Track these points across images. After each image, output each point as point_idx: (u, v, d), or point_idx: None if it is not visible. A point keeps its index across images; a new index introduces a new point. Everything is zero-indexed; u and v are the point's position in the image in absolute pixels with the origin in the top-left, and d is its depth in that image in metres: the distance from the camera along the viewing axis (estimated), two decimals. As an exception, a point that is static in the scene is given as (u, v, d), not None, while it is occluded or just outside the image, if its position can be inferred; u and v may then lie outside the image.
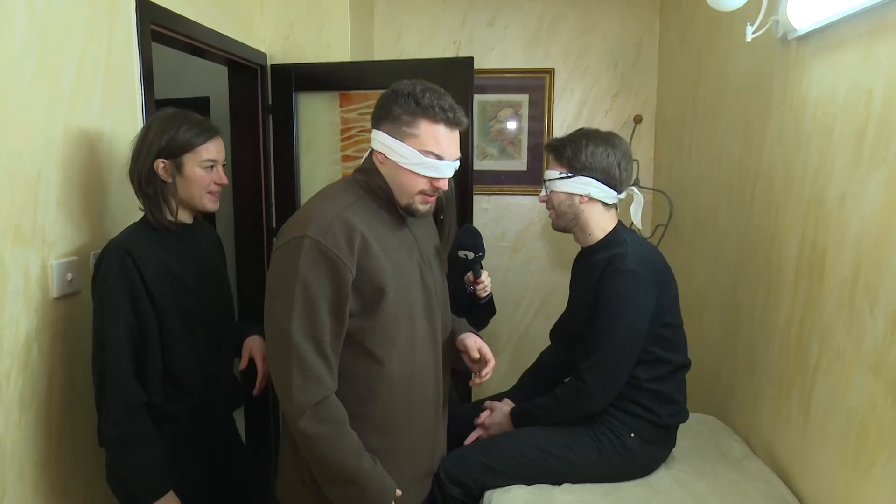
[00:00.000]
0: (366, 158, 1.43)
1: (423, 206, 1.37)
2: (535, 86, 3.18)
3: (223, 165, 1.60)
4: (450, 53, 3.18)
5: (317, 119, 2.75)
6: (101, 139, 1.71)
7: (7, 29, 1.38)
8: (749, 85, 1.98)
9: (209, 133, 1.54)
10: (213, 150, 1.55)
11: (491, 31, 3.18)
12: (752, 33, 1.69)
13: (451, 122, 1.31)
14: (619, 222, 1.72)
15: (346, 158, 2.74)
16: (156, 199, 1.51)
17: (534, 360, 3.32)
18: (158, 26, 1.96)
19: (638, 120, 3.06)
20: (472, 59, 2.56)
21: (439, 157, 1.31)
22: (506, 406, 1.81)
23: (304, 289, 1.24)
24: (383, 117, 1.34)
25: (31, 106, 1.46)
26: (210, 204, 1.57)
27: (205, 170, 1.53)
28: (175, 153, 1.50)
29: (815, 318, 1.54)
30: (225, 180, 1.59)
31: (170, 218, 1.52)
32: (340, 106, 2.72)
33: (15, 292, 1.42)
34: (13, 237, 1.41)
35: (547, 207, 1.76)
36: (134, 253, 1.44)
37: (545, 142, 3.19)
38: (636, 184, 3.08)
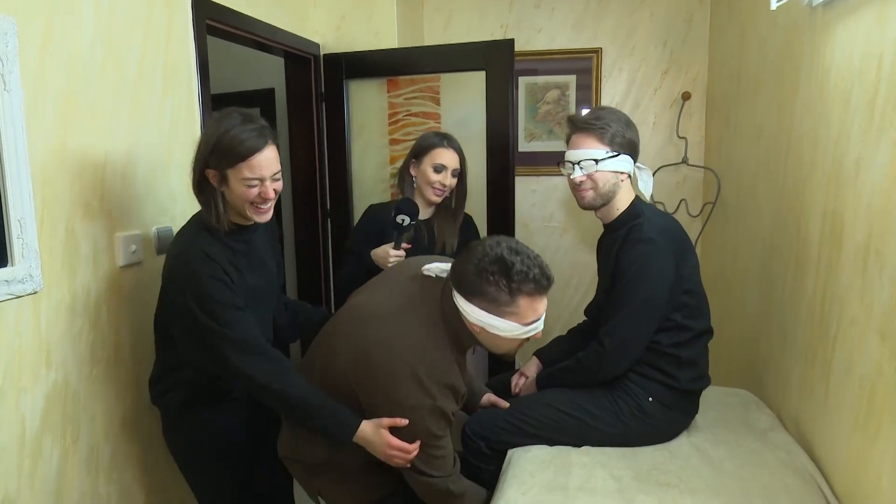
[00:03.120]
0: (448, 308, 1.45)
1: None
2: (583, 66, 3.19)
3: (277, 179, 1.51)
4: (497, 37, 3.23)
5: (367, 105, 2.89)
6: (162, 126, 1.90)
7: (77, 24, 1.58)
8: (782, 56, 1.95)
9: (252, 148, 1.44)
10: (256, 166, 1.45)
11: (538, 13, 3.22)
12: (777, 3, 1.68)
13: (544, 289, 1.39)
14: (636, 196, 1.76)
15: (393, 142, 2.87)
16: (208, 205, 1.51)
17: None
18: (214, 21, 2.14)
19: (686, 97, 3.02)
20: (512, 40, 2.62)
21: (537, 320, 1.42)
22: (532, 368, 1.91)
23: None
24: (475, 293, 1.37)
25: (99, 95, 1.66)
26: (256, 216, 1.52)
27: (247, 187, 1.46)
28: (220, 165, 1.47)
29: (835, 286, 1.53)
30: (272, 195, 1.50)
31: (216, 225, 1.50)
32: (388, 91, 2.84)
33: (86, 261, 1.63)
34: (84, 213, 1.62)
35: (581, 188, 1.75)
36: (216, 259, 1.49)
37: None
38: (685, 161, 3.06)
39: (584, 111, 2.41)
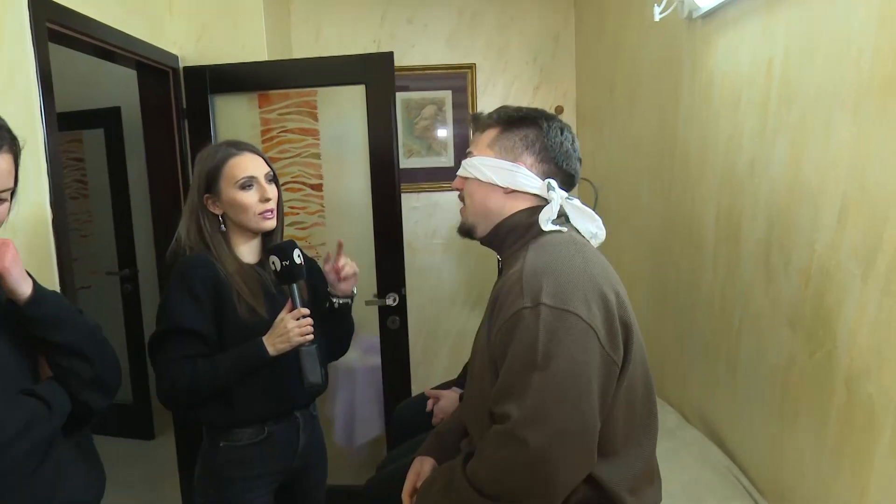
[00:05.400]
0: None
1: None
2: (458, 82, 3.20)
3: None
4: (370, 50, 3.15)
5: (236, 121, 2.67)
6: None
7: None
8: (660, 67, 2.05)
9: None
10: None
11: (411, 28, 3.18)
12: (660, 14, 1.75)
13: None
14: None
15: (270, 160, 2.67)
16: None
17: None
18: (56, 24, 1.85)
19: (559, 111, 3.12)
20: (391, 53, 2.54)
21: None
22: (453, 393, 1.81)
23: None
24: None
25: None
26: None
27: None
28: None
29: (735, 282, 1.60)
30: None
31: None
32: (260, 107, 2.64)
33: None
34: None
35: None
36: None
37: (471, 139, 3.21)
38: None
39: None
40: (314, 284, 1.70)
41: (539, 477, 1.00)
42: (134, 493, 3.16)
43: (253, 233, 1.59)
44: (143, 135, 2.66)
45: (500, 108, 1.29)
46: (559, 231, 1.18)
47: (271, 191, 1.56)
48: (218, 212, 1.56)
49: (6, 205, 1.14)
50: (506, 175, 1.21)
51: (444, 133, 3.25)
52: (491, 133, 1.26)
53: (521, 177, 1.21)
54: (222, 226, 1.57)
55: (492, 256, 1.34)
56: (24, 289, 1.11)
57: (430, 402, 1.87)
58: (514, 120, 1.24)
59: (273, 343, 1.47)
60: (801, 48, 1.27)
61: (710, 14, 1.66)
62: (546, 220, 1.17)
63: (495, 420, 1.07)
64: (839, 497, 1.19)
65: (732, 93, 1.57)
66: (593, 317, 1.04)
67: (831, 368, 1.20)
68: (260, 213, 1.53)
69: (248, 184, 1.52)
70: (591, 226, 1.25)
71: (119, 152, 3.67)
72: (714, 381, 1.74)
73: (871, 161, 1.07)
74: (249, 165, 1.54)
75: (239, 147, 1.57)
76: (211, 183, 1.54)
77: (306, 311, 1.49)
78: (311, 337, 1.48)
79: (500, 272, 1.31)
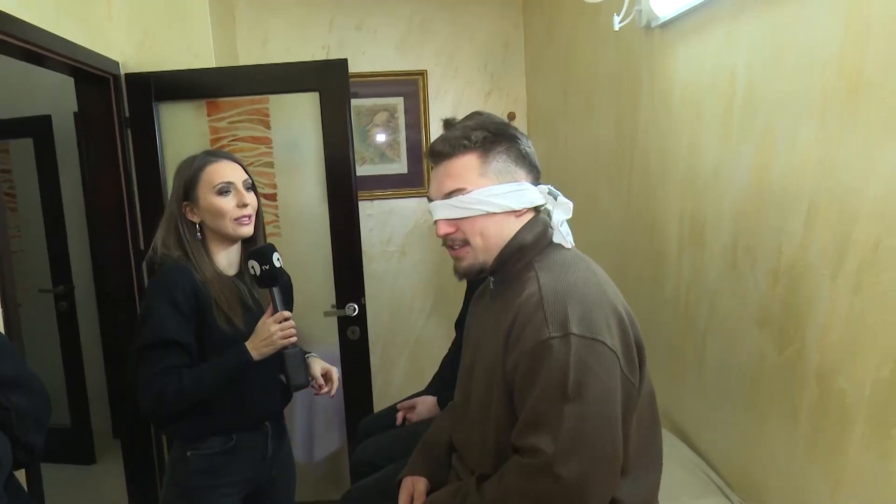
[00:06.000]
0: None
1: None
2: (409, 88, 3.18)
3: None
4: (319, 58, 3.10)
5: (183, 130, 2.57)
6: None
7: None
8: (618, 75, 2.10)
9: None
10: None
11: (360, 35, 3.15)
12: (619, 23, 1.79)
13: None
14: None
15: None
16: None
17: (432, 359, 3.31)
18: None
19: (512, 117, 3.15)
20: (345, 60, 2.51)
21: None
22: (429, 398, 1.80)
23: None
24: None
25: None
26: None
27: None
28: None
29: (701, 285, 1.64)
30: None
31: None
32: (208, 115, 2.55)
33: None
34: None
35: None
36: None
37: (424, 145, 3.20)
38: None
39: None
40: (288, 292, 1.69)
41: None
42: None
43: (231, 240, 1.58)
44: (82, 145, 2.55)
45: (459, 130, 1.18)
46: (562, 245, 1.18)
47: (249, 198, 1.56)
48: (196, 220, 1.55)
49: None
50: (519, 196, 1.16)
51: (397, 140, 3.22)
52: (470, 160, 1.16)
53: (530, 193, 1.17)
54: (198, 234, 1.56)
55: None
56: None
57: (399, 416, 1.83)
58: (489, 140, 1.16)
59: (257, 347, 1.46)
60: (765, 57, 1.32)
61: (669, 24, 1.71)
62: (558, 231, 1.17)
63: (521, 452, 1.04)
64: (813, 489, 1.24)
65: (693, 101, 1.62)
66: (615, 342, 1.05)
67: (802, 365, 1.25)
68: (236, 219, 1.53)
69: (225, 189, 1.53)
70: (563, 217, 1.21)
71: (50, 163, 3.47)
72: (680, 382, 1.79)
73: (837, 165, 1.12)
74: (227, 171, 1.54)
75: (217, 155, 1.59)
76: (189, 190, 1.54)
77: (288, 313, 1.50)
78: (294, 339, 1.49)
79: (492, 293, 1.26)
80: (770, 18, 1.30)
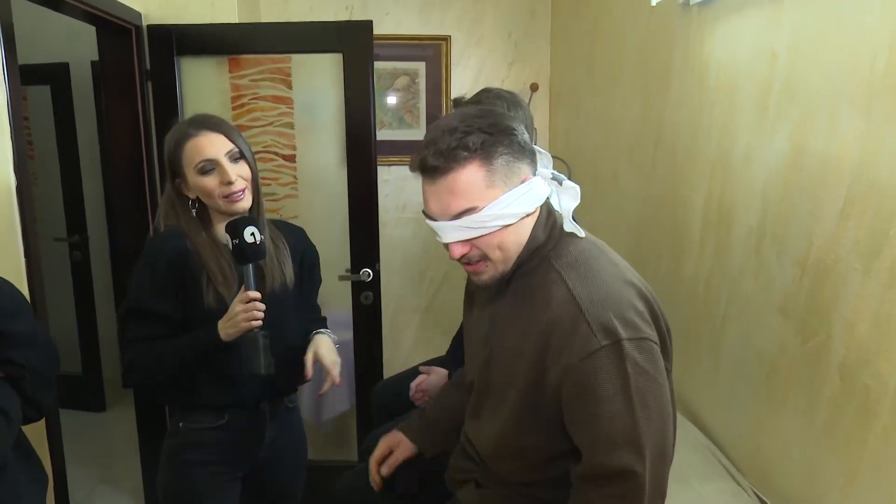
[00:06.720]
0: None
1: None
2: (432, 53, 3.13)
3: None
4: (342, 18, 3.04)
5: (203, 86, 2.54)
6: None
7: None
8: (648, 51, 2.05)
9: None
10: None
11: (384, -4, 3.09)
12: (657, -1, 1.75)
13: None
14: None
15: (240, 128, 2.55)
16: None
17: (441, 328, 3.33)
18: (16, -25, 1.70)
19: (534, 88, 3.10)
20: (370, 22, 2.46)
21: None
22: (442, 370, 1.81)
23: None
24: None
25: None
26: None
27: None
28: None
29: (724, 268, 1.64)
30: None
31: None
32: (230, 72, 2.52)
33: None
34: None
35: None
36: None
37: (444, 111, 3.16)
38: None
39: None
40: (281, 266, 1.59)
41: None
42: (91, 468, 3.06)
43: (228, 214, 1.48)
44: (102, 96, 2.52)
45: (450, 137, 1.02)
46: (575, 234, 1.15)
47: (237, 170, 1.44)
48: (192, 196, 1.48)
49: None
50: (530, 197, 1.07)
51: (417, 105, 3.18)
52: (474, 173, 1.02)
53: (538, 188, 1.10)
54: (193, 210, 1.49)
55: None
56: None
57: (418, 379, 1.85)
58: (488, 143, 1.03)
59: (224, 328, 1.39)
60: (809, 42, 1.29)
61: (709, 1, 1.66)
62: (568, 220, 1.14)
63: (605, 476, 1.02)
64: (826, 478, 1.25)
65: (729, 81, 1.58)
66: (653, 333, 1.06)
67: (825, 357, 1.25)
68: (225, 197, 1.43)
69: (206, 168, 1.42)
70: (572, 203, 1.16)
71: (68, 112, 3.45)
72: (694, 365, 1.79)
73: (880, 159, 1.10)
74: (206, 147, 1.42)
75: (198, 126, 1.45)
76: (175, 168, 1.47)
77: (256, 294, 1.37)
78: (258, 323, 1.37)
79: (504, 290, 1.19)
80: (816, 3, 1.27)
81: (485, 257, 1.10)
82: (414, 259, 3.33)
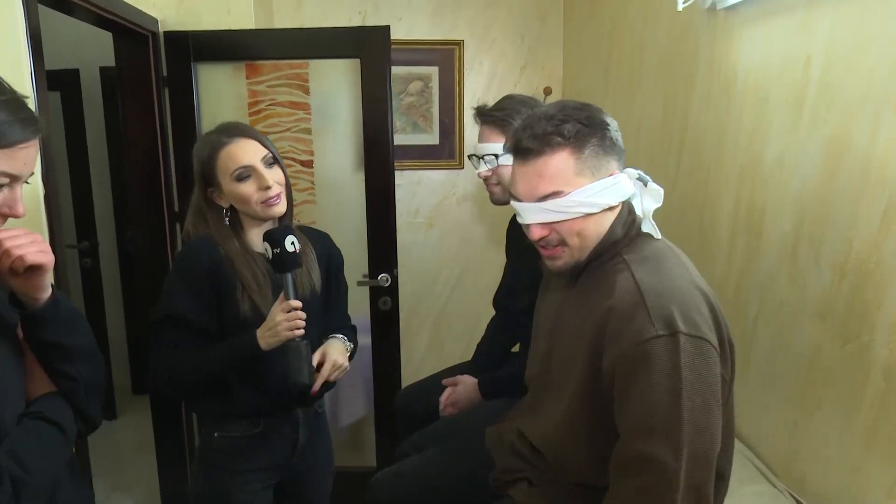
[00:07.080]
0: None
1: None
2: (445, 58, 3.14)
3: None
4: (355, 23, 3.04)
5: (221, 92, 2.54)
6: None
7: None
8: (671, 54, 2.06)
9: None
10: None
11: (396, 1, 3.09)
12: (683, 3, 1.75)
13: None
14: None
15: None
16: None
17: (454, 333, 3.32)
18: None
19: (548, 92, 3.11)
20: (388, 27, 2.46)
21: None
22: (469, 379, 1.80)
23: None
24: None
25: None
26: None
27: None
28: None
29: (754, 272, 1.64)
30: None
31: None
32: (247, 77, 2.52)
33: None
34: None
35: (488, 183, 1.74)
36: None
37: (457, 117, 3.17)
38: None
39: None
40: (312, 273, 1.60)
41: None
42: (103, 476, 3.04)
43: (264, 220, 1.51)
44: (118, 102, 2.50)
45: (546, 123, 1.09)
46: (651, 236, 1.17)
47: (272, 175, 1.45)
48: (225, 204, 1.50)
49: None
50: (615, 191, 1.12)
51: (430, 110, 3.19)
52: (564, 159, 1.09)
53: (624, 185, 1.14)
54: (227, 219, 1.50)
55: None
56: (49, 289, 1.01)
57: (446, 392, 1.84)
58: (582, 133, 1.09)
59: (263, 336, 1.39)
60: (846, 49, 1.30)
61: (736, 7, 1.67)
62: (647, 221, 1.16)
63: (632, 454, 1.03)
64: (870, 482, 1.26)
65: (759, 87, 1.59)
66: (713, 337, 1.06)
67: (867, 360, 1.26)
68: (263, 202, 1.45)
69: (243, 175, 1.43)
70: (654, 205, 1.19)
71: (78, 118, 3.44)
72: (722, 366, 1.80)
73: (925, 164, 1.11)
74: (241, 154, 1.44)
75: (230, 133, 1.46)
76: (209, 177, 1.48)
77: (297, 303, 1.38)
78: (300, 332, 1.39)
79: (574, 283, 1.23)
80: (854, 7, 1.28)
81: (563, 242, 1.15)
82: (426, 264, 3.33)
